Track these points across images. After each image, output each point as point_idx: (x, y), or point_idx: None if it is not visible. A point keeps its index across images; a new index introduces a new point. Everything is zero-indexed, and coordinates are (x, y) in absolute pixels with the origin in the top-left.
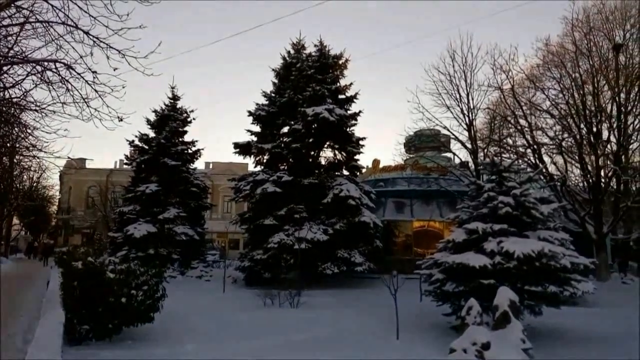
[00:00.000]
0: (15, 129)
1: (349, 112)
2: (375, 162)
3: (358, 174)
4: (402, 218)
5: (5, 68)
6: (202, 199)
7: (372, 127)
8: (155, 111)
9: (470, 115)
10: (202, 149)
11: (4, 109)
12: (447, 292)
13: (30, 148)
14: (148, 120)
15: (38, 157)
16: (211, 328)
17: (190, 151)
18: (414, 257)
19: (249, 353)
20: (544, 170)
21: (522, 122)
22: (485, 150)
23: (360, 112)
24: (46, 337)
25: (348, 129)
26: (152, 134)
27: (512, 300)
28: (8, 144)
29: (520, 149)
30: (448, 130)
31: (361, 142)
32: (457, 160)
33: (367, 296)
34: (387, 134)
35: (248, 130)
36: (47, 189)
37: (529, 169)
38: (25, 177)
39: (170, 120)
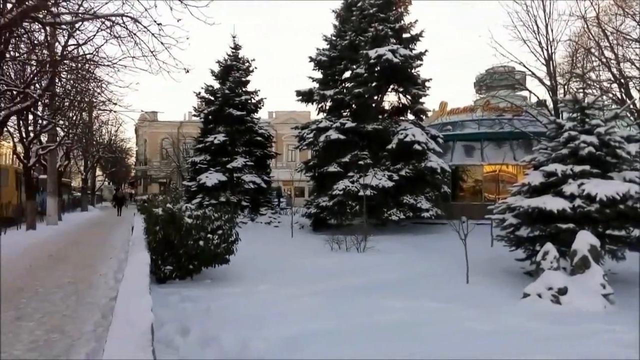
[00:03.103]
0: (92, 84)
1: (413, 52)
2: (442, 104)
3: (424, 117)
4: (472, 162)
5: (77, 25)
6: (267, 148)
7: (439, 67)
8: (218, 62)
9: (549, 49)
10: (265, 99)
11: (79, 65)
12: (520, 237)
13: (106, 102)
14: (212, 72)
15: (114, 111)
16: (282, 270)
17: (253, 101)
18: (484, 202)
19: (319, 293)
20: (631, 107)
21: (608, 53)
22: (566, 86)
23: (425, 51)
24: (135, 276)
25: (413, 71)
26: (217, 85)
27: (593, 245)
28: (86, 99)
29: (605, 84)
30: (524, 66)
31: (427, 84)
32: (533, 99)
33: (434, 242)
34: (455, 75)
35: (310, 77)
36: (124, 141)
37: (614, 106)
38: (104, 130)
39: (233, 71)
